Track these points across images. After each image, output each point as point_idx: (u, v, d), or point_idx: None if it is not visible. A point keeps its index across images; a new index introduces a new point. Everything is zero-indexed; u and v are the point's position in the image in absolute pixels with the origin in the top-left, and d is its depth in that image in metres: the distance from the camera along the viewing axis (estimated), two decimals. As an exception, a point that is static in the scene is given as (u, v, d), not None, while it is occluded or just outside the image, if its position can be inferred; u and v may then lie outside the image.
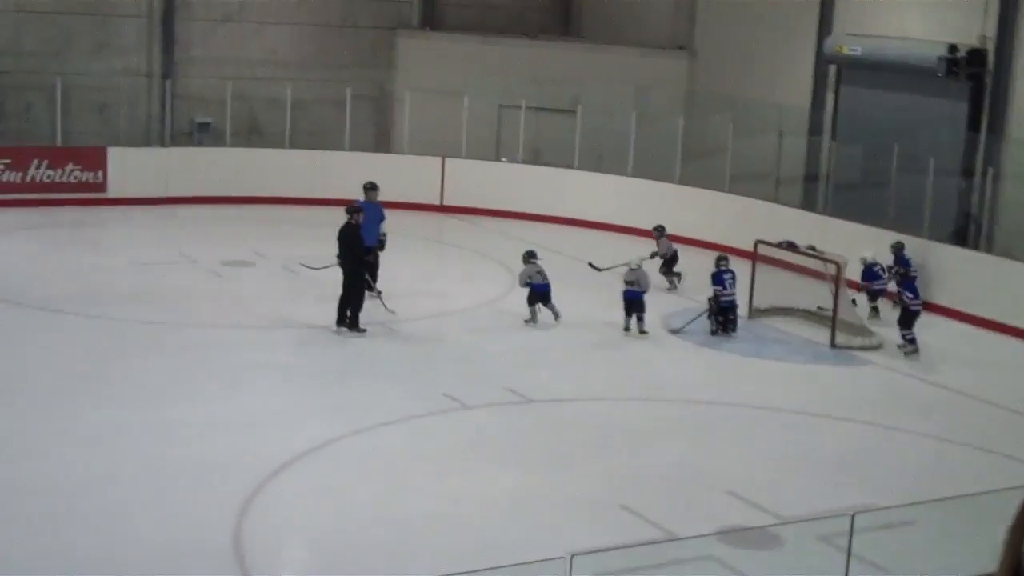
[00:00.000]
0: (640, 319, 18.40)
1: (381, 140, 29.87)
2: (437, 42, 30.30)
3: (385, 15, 30.73)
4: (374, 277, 18.97)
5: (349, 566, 10.93)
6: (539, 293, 18.68)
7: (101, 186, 25.18)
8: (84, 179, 25.08)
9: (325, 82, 28.90)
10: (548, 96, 27.75)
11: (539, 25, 31.96)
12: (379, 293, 18.65)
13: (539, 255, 19.07)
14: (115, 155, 25.35)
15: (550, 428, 14.70)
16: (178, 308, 18.39)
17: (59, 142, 25.43)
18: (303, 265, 19.77)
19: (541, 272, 18.80)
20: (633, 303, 18.43)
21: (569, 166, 26.73)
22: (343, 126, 27.30)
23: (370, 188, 19.47)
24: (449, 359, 17.09)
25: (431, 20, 31.17)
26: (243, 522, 11.47)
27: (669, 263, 21.46)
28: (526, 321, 18.62)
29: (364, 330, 17.43)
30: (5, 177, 24.43)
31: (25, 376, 15.15)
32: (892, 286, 19.99)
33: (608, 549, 10.66)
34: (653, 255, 21.24)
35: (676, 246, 21.68)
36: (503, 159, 27.73)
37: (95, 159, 25.20)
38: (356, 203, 18.41)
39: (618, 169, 26.26)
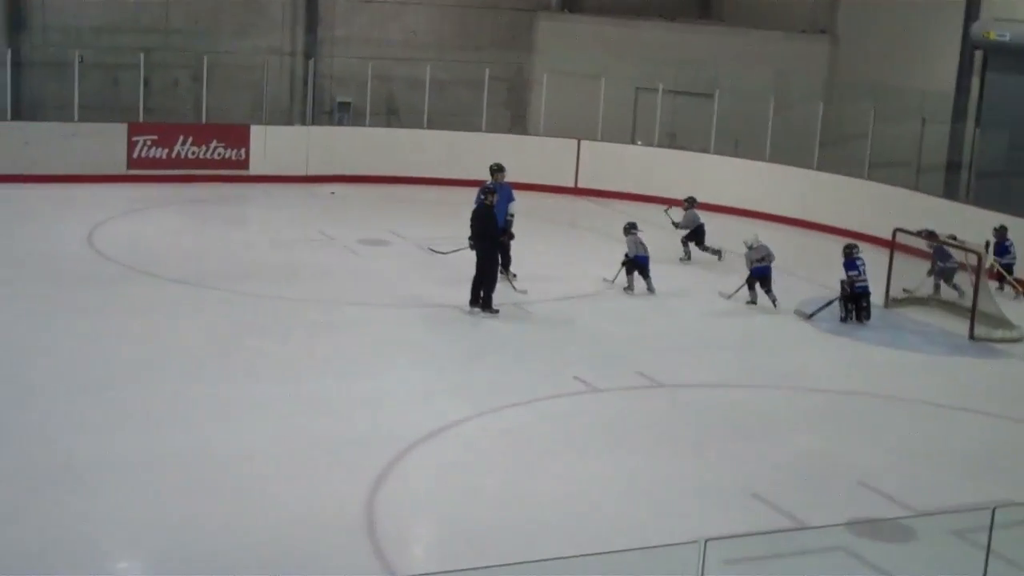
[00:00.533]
0: (769, 290, 18.94)
1: (517, 122, 30.00)
2: (576, 24, 30.30)
3: (525, -3, 30.84)
4: (506, 259, 19.15)
5: (478, 545, 11.04)
6: (640, 264, 19.21)
7: (243, 163, 25.74)
8: (227, 156, 25.66)
9: (464, 63, 29.11)
10: (685, 79, 27.60)
11: (679, 7, 31.75)
12: (513, 276, 18.80)
13: (639, 227, 19.60)
14: (257, 133, 25.86)
15: (680, 413, 14.67)
16: (315, 285, 18.73)
17: (204, 119, 26.02)
18: (431, 250, 19.98)
19: (642, 244, 19.33)
20: (766, 278, 18.90)
21: (705, 150, 26.56)
22: (480, 107, 27.48)
23: (497, 170, 19.63)
24: (579, 342, 17.14)
25: (571, 2, 31.17)
26: (376, 498, 11.66)
27: (694, 235, 21.73)
28: (625, 289, 19.31)
29: (496, 311, 17.57)
30: (152, 153, 25.10)
31: (168, 349, 15.54)
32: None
33: (741, 535, 10.62)
34: (676, 225, 21.80)
35: (703, 218, 21.94)
36: (638, 142, 27.66)
37: (238, 136, 25.75)
38: (489, 184, 18.55)
39: (755, 154, 26.03)
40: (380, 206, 24.57)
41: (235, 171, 25.70)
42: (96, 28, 26.77)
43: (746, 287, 19.12)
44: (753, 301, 19.06)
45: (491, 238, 17.76)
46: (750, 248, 19.04)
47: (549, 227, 21.99)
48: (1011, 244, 20.62)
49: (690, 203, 21.88)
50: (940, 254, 19.76)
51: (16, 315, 16.49)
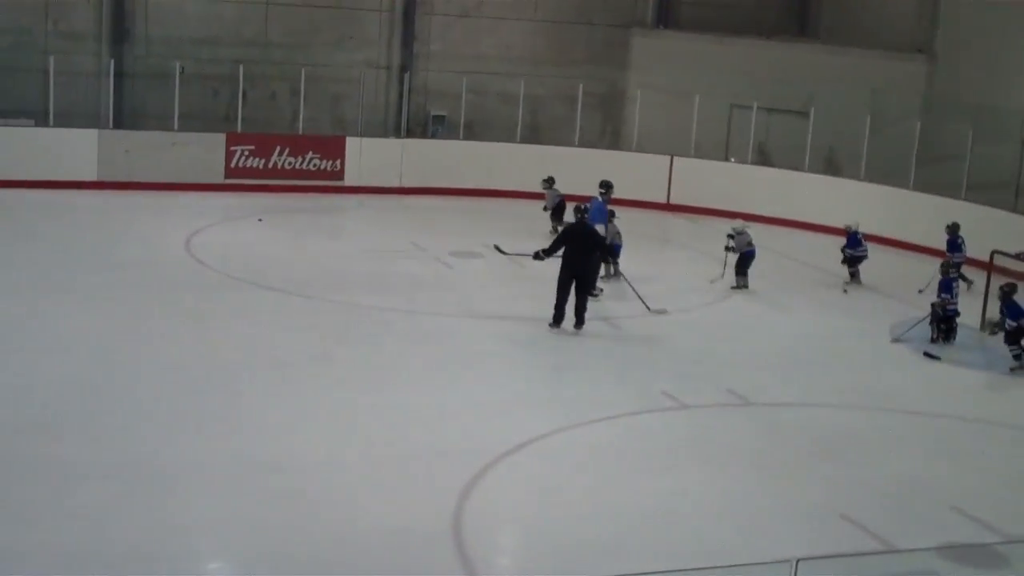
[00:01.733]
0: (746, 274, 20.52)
1: (611, 137, 30.01)
2: (671, 41, 30.24)
3: (620, 13, 30.83)
4: (596, 275, 19.28)
5: (563, 558, 11.05)
6: (614, 252, 19.93)
7: (338, 174, 26.03)
8: (323, 167, 25.97)
9: (558, 78, 29.20)
10: (780, 97, 27.43)
11: (775, 24, 31.55)
12: (600, 291, 18.94)
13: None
14: (352, 145, 26.14)
15: (770, 432, 14.57)
16: (407, 295, 18.87)
17: (300, 130, 26.35)
18: (496, 247, 19.96)
19: (619, 233, 20.36)
20: (749, 261, 20.56)
21: (799, 168, 26.37)
22: (574, 122, 27.53)
23: (606, 187, 20.06)
24: (669, 358, 17.09)
25: (666, 19, 31.13)
26: (463, 508, 11.72)
27: (556, 212, 23.15)
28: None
29: (583, 323, 17.57)
30: (250, 163, 25.47)
31: (261, 356, 15.74)
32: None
33: (832, 555, 10.52)
34: (545, 208, 23.33)
35: (562, 196, 23.25)
36: (731, 159, 27.54)
37: (334, 148, 26.06)
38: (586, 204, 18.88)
39: (850, 173, 25.80)
40: (473, 218, 24.71)
41: (330, 182, 26.00)
42: (197, 40, 27.24)
43: (734, 272, 20.28)
44: (744, 285, 20.13)
45: (601, 254, 18.69)
46: (738, 234, 20.01)
47: (641, 242, 21.92)
48: (962, 241, 21.22)
49: (548, 184, 23.62)
50: None
51: (115, 319, 16.80)
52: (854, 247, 21.56)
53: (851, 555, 11.01)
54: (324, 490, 11.98)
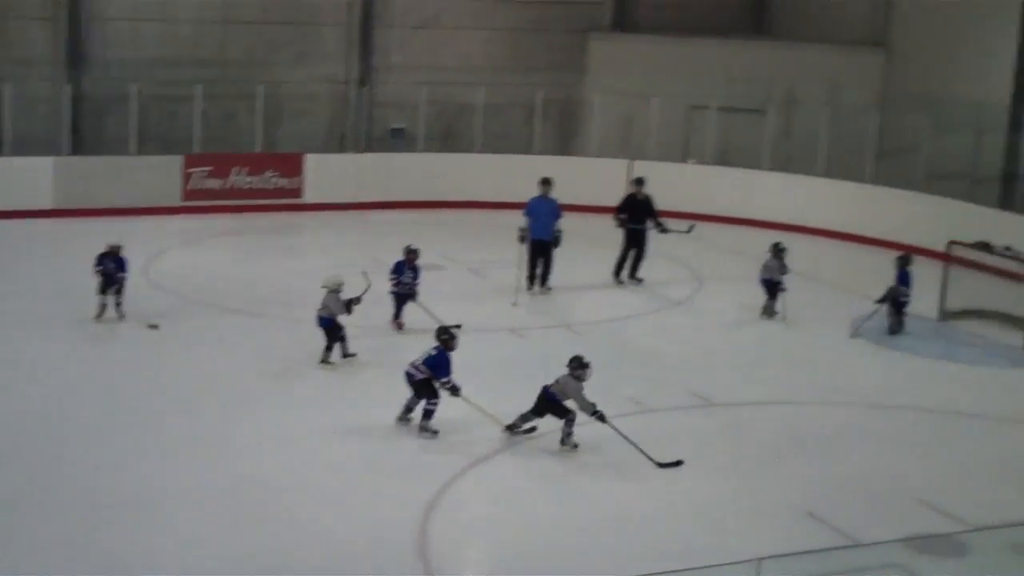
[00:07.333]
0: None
1: (569, 143, 30.05)
2: (628, 43, 30.29)
3: (578, 18, 30.83)
4: (547, 274, 19.86)
5: (531, 566, 11.08)
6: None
7: (297, 192, 25.95)
8: (282, 185, 25.86)
9: (517, 86, 29.20)
10: (738, 96, 27.52)
11: (731, 24, 31.63)
12: (548, 289, 19.53)
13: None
14: (312, 161, 26.06)
15: (733, 432, 14.63)
16: (370, 311, 18.78)
17: (258, 149, 26.26)
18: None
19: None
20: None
21: (759, 167, 26.46)
22: (533, 130, 27.56)
23: (544, 182, 19.86)
24: (632, 362, 17.13)
25: (623, 22, 31.17)
26: (430, 521, 11.77)
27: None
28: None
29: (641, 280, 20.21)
30: (207, 184, 25.36)
31: (224, 378, 15.71)
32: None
33: (796, 554, 10.56)
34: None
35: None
36: (690, 160, 27.62)
37: (293, 165, 25.96)
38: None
39: (809, 169, 25.90)
40: (433, 231, 24.67)
41: (291, 200, 25.90)
42: (153, 61, 27.11)
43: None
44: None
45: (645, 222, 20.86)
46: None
47: (600, 246, 21.92)
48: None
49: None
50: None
51: (72, 345, 16.73)
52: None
53: (817, 551, 11.07)
54: (289, 510, 11.97)
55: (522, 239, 19.74)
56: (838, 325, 18.88)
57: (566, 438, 13.68)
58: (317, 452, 13.41)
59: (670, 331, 18.75)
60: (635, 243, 20.87)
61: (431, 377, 13.94)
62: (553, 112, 29.39)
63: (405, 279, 17.85)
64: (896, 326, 18.49)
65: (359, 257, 22.02)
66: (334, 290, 16.44)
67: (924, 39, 27.52)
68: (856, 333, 18.48)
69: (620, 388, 15.57)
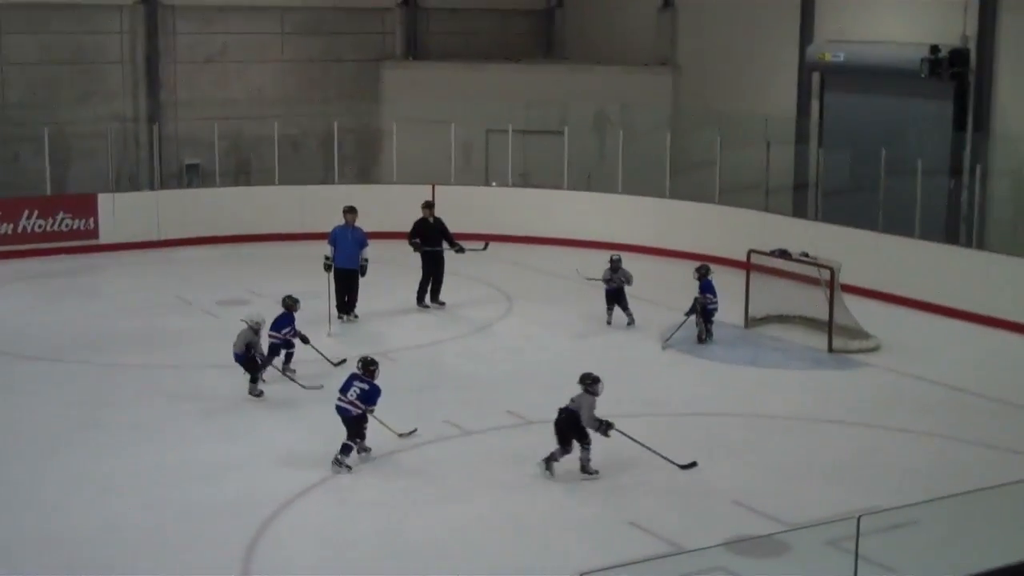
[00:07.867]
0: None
1: (370, 172, 29.96)
2: (421, 71, 30.43)
3: (369, 47, 30.85)
4: (353, 303, 19.79)
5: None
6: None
7: (93, 232, 25.19)
8: (75, 227, 25.07)
9: (312, 117, 28.99)
10: (535, 119, 27.87)
11: (522, 49, 32.09)
12: (355, 317, 19.66)
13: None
14: (105, 201, 25.34)
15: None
16: (174, 351, 18.39)
17: (48, 191, 25.44)
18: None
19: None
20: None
21: (559, 187, 26.77)
22: (331, 160, 27.39)
23: (348, 211, 19.77)
24: (447, 385, 17.10)
25: (415, 50, 31.27)
26: (251, 561, 11.51)
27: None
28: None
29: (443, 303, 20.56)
30: (-3, 229, 24.46)
31: (24, 428, 15.18)
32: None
33: (616, 566, 10.63)
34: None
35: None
36: (492, 183, 27.80)
37: (85, 206, 25.19)
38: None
39: (608, 187, 26.32)
40: (236, 266, 24.27)
41: (85, 241, 25.11)
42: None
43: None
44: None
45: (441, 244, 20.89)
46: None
47: (406, 273, 21.85)
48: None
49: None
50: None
51: None
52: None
53: (638, 562, 11.17)
54: (105, 559, 11.56)
55: (328, 267, 19.54)
56: (647, 337, 19.18)
57: (586, 464, 13.69)
58: (131, 496, 13.02)
59: (483, 352, 18.77)
60: (433, 267, 20.87)
61: (364, 411, 13.79)
62: (351, 141, 29.26)
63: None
64: (704, 335, 18.89)
65: (164, 296, 21.56)
66: (253, 327, 16.18)
67: (710, 57, 28.31)
68: (667, 344, 18.79)
69: (437, 412, 15.53)
